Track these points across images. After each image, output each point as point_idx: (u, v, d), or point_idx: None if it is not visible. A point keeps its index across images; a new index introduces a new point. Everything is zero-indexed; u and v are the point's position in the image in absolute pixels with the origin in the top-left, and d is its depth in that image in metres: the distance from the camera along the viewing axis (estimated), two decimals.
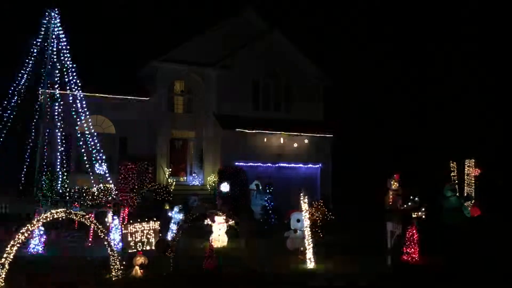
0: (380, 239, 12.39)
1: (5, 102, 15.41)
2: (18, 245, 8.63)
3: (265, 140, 24.18)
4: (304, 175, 25.24)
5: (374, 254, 12.33)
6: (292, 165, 24.99)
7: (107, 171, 17.83)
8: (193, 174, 24.82)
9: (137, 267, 9.89)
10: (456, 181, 20.17)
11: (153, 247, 11.36)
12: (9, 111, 15.45)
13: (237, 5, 26.53)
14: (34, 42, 16.37)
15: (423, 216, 12.78)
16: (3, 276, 8.39)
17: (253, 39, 25.23)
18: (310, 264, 11.31)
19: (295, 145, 24.95)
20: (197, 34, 24.98)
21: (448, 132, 30.29)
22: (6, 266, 8.43)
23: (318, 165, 25.60)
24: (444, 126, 31.15)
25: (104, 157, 18.17)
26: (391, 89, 33.28)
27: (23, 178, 16.57)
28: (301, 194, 11.80)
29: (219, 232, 13.92)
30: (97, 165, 17.78)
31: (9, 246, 8.56)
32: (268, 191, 18.75)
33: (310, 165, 25.46)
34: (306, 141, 25.06)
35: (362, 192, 22.40)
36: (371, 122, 31.68)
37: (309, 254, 11.40)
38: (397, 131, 30.81)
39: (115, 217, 12.76)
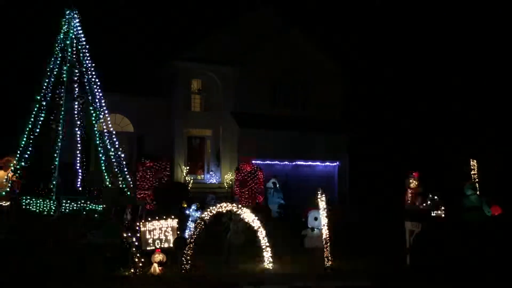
0: (399, 238, 12.27)
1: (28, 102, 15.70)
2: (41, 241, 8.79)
3: (282, 138, 24.14)
4: (322, 173, 25.12)
5: (392, 253, 12.22)
6: (309, 163, 24.90)
7: (125, 169, 18.00)
8: (210, 172, 24.92)
9: (155, 265, 9.98)
10: (477, 179, 19.85)
11: (171, 245, 11.43)
12: (34, 111, 15.77)
13: (254, 3, 26.51)
14: (56, 43, 16.62)
15: (442, 215, 12.63)
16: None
17: (270, 36, 25.19)
18: (328, 263, 11.25)
19: (313, 143, 24.86)
20: (214, 32, 25.06)
21: (468, 129, 29.83)
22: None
23: (335, 163, 25.46)
24: (464, 123, 30.68)
25: (122, 155, 18.36)
26: (410, 85, 32.91)
27: (44, 176, 16.85)
28: (319, 192, 11.74)
29: (237, 230, 13.95)
30: (115, 163, 17.97)
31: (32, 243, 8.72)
32: (285, 189, 18.73)
33: (327, 163, 25.34)
34: (323, 139, 24.94)
35: (380, 190, 22.21)
36: (389, 119, 31.36)
37: (327, 252, 11.34)
38: (416, 128, 30.46)
39: (133, 215, 12.88)
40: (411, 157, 26.72)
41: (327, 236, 11.43)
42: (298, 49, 25.61)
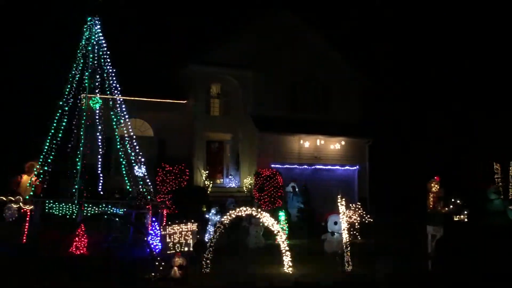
0: (420, 243, 12.10)
1: (51, 107, 15.97)
2: (62, 245, 8.92)
3: (302, 141, 24.11)
4: (341, 177, 24.99)
5: (414, 258, 12.05)
6: (329, 167, 24.79)
7: (145, 173, 18.14)
8: (230, 176, 24.97)
9: (175, 268, 10.03)
10: (500, 184, 19.49)
11: (191, 248, 11.49)
12: (57, 116, 16.03)
13: (272, 6, 26.56)
14: (77, 49, 16.89)
15: (465, 219, 12.43)
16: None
17: (289, 39, 25.23)
18: (348, 268, 11.16)
19: (332, 146, 24.77)
20: (233, 36, 25.19)
21: (492, 132, 29.31)
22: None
23: (355, 167, 25.30)
24: (488, 126, 30.17)
25: (142, 159, 18.51)
26: (431, 88, 32.55)
27: (66, 181, 17.10)
28: (338, 197, 11.67)
29: (256, 234, 13.97)
30: (136, 167, 18.12)
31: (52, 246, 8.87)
32: (305, 193, 18.66)
33: (347, 167, 25.19)
34: (343, 142, 24.84)
35: (401, 194, 21.98)
36: (410, 122, 31.04)
37: (347, 257, 11.26)
38: (438, 131, 30.08)
39: (154, 219, 12.97)
40: (432, 160, 26.38)
41: (347, 240, 11.34)
42: (317, 51, 25.59)
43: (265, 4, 27.77)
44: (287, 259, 10.90)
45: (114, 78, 17.90)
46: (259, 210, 11.22)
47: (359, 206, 16.66)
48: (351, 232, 15.78)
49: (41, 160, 16.14)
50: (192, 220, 11.99)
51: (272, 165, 22.76)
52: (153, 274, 9.61)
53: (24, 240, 13.07)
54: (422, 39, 35.57)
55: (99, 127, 17.08)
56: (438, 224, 11.89)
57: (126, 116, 18.45)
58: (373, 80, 27.55)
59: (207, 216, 14.66)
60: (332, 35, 27.39)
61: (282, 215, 15.37)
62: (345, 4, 37.27)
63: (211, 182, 23.60)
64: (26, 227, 13.25)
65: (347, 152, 25.08)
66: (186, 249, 11.46)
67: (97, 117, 17.09)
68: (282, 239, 10.90)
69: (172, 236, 11.50)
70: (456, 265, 11.29)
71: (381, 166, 25.74)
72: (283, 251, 10.95)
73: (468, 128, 30.69)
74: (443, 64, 34.00)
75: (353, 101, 26.37)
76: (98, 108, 16.82)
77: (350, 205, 16.71)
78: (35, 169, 16.49)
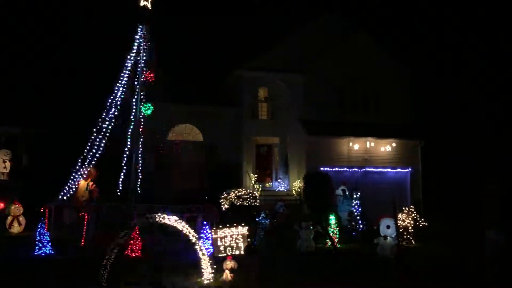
0: (479, 248, 11.60)
1: (104, 114, 16.47)
2: (118, 247, 9.17)
3: (351, 144, 23.73)
4: (393, 180, 24.39)
5: (471, 264, 11.56)
6: (380, 169, 24.25)
7: (196, 178, 18.44)
8: (279, 180, 24.93)
9: (227, 271, 10.09)
10: None
11: (242, 252, 11.52)
12: (107, 122, 16.53)
13: (319, 8, 26.41)
14: (128, 57, 17.40)
15: None
16: (106, 277, 8.95)
17: (337, 41, 24.93)
18: (402, 271, 10.83)
19: (383, 149, 24.23)
20: (281, 40, 25.20)
21: None
22: (108, 267, 8.98)
23: (407, 170, 24.60)
24: None
25: (193, 164, 18.83)
26: (487, 88, 31.22)
27: (120, 185, 17.65)
28: (392, 200, 11.38)
29: (306, 238, 13.84)
30: (187, 171, 18.44)
31: (110, 248, 9.12)
32: (355, 196, 18.31)
33: (399, 170, 24.54)
34: (394, 144, 24.24)
35: (456, 197, 21.18)
36: (464, 123, 29.87)
37: (400, 261, 10.94)
38: (494, 131, 28.78)
39: (205, 222, 13.12)
40: (489, 162, 25.28)
41: (401, 244, 11.03)
42: (366, 53, 25.11)
43: (312, 6, 27.64)
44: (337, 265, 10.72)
45: (164, 85, 18.31)
46: (308, 213, 11.09)
47: (412, 210, 16.16)
48: (405, 237, 15.37)
49: (97, 165, 16.72)
50: (243, 224, 12.02)
51: (321, 168, 22.51)
52: (205, 277, 9.71)
53: (83, 243, 13.54)
54: (476, 38, 34.27)
55: (151, 133, 17.48)
56: (499, 228, 11.33)
57: (177, 122, 18.86)
58: (425, 80, 26.78)
59: (257, 219, 14.67)
60: (381, 35, 26.89)
61: (332, 218, 15.17)
62: (395, 4, 36.49)
63: (260, 185, 23.65)
64: (84, 230, 13.72)
65: (398, 154, 24.46)
66: (237, 252, 11.50)
67: (148, 123, 17.51)
68: (332, 243, 10.74)
69: (223, 240, 11.58)
70: None
71: (435, 168, 24.88)
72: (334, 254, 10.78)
73: None
74: (501, 62, 32.53)
75: (404, 101, 25.69)
76: (149, 114, 17.23)
77: (403, 208, 16.27)
78: (92, 174, 17.11)
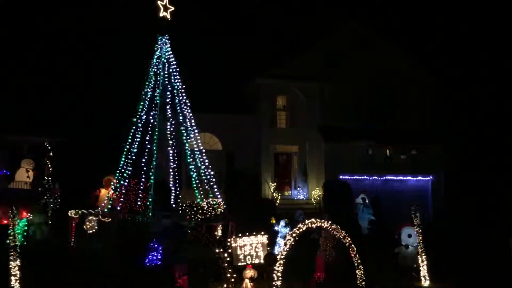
0: (505, 258, 11.34)
1: (125, 123, 16.75)
2: (136, 256, 9.23)
3: (370, 152, 23.53)
4: (414, 188, 24.10)
5: (496, 274, 11.30)
6: (400, 177, 23.99)
7: (215, 186, 18.49)
8: (298, 188, 24.84)
9: (247, 280, 10.06)
10: None
11: (262, 261, 11.45)
12: (131, 132, 16.81)
13: (338, 16, 26.39)
14: (149, 67, 17.66)
15: None
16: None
17: (355, 49, 24.86)
18: (425, 282, 10.66)
19: (403, 156, 23.96)
20: (299, 48, 25.25)
21: None
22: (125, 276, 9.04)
23: (428, 177, 24.28)
24: None
25: (212, 172, 18.88)
26: (508, 93, 30.66)
27: (140, 194, 17.83)
28: (412, 208, 11.21)
29: (326, 247, 13.68)
30: (206, 180, 18.50)
31: (127, 257, 9.20)
32: (375, 204, 18.12)
33: (419, 178, 24.24)
34: (414, 152, 23.94)
35: (481, 205, 20.76)
36: (487, 129, 29.34)
37: (423, 271, 10.76)
38: None
39: (224, 231, 13.14)
40: None
41: (423, 254, 10.85)
42: (384, 59, 25.02)
43: (331, 14, 27.63)
44: (359, 272, 10.59)
45: (183, 94, 18.49)
46: (329, 222, 10.98)
47: (434, 218, 15.92)
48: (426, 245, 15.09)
49: (117, 174, 16.92)
50: (262, 232, 11.97)
51: (341, 176, 22.38)
52: (225, 286, 9.69)
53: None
54: (498, 42, 33.76)
55: (171, 142, 17.64)
56: None
57: (196, 131, 18.98)
58: (446, 86, 26.42)
59: (276, 228, 14.61)
60: (398, 42, 26.67)
61: None
62: (412, 11, 36.24)
63: (279, 194, 23.60)
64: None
65: (419, 162, 24.15)
66: (256, 261, 11.44)
67: (168, 132, 17.70)
68: (353, 253, 10.61)
69: (242, 248, 11.53)
70: None
71: (458, 175, 24.45)
72: (355, 264, 10.64)
73: None
74: None
75: (425, 108, 25.44)
76: (169, 123, 17.39)
77: (424, 216, 16.04)
78: (112, 183, 17.31)
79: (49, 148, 19.91)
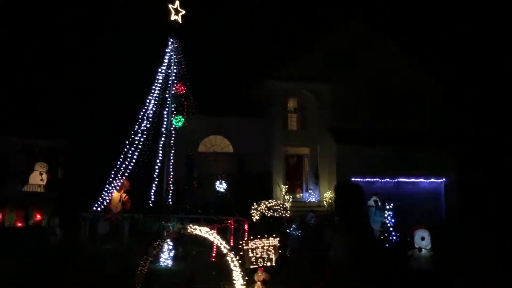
0: None
1: (136, 127, 16.77)
2: (151, 258, 9.24)
3: (382, 154, 23.38)
4: (426, 190, 23.90)
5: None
6: (413, 180, 23.80)
7: (226, 189, 18.51)
8: (309, 191, 24.78)
9: (259, 283, 10.03)
10: None
11: (274, 263, 11.43)
12: (139, 135, 16.82)
13: (348, 16, 26.29)
14: (159, 70, 17.71)
15: None
16: (140, 286, 9.03)
17: (364, 49, 24.77)
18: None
19: (415, 158, 23.76)
20: (308, 50, 25.22)
21: None
22: (141, 278, 9.06)
23: (441, 179, 24.07)
24: None
25: (223, 175, 18.94)
26: None
27: (152, 197, 17.91)
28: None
29: (338, 249, 13.62)
30: (217, 183, 18.55)
31: (142, 260, 9.21)
32: (388, 207, 17.98)
33: (432, 180, 24.03)
34: (427, 154, 23.75)
35: (496, 208, 20.50)
36: (501, 129, 28.98)
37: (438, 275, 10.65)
38: None
39: (235, 233, 13.14)
40: None
41: (437, 257, 10.74)
42: (395, 60, 24.87)
43: (340, 15, 27.55)
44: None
45: (194, 97, 18.54)
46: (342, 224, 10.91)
47: (448, 220, 15.76)
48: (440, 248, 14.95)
49: (129, 177, 17.01)
50: (274, 235, 11.95)
51: (353, 178, 22.27)
52: None
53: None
54: (506, 40, 33.36)
55: (182, 145, 17.68)
56: None
57: (207, 133, 19.04)
58: (457, 86, 26.19)
59: (287, 230, 14.58)
60: (409, 41, 26.52)
61: None
62: (422, 9, 36.00)
63: (291, 196, 23.55)
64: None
65: (432, 164, 23.94)
66: (268, 264, 11.41)
67: (175, 135, 17.72)
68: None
69: (254, 251, 11.51)
70: None
71: (472, 177, 24.17)
72: None
73: None
74: None
75: (437, 109, 25.22)
76: (180, 126, 17.42)
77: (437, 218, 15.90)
78: (124, 186, 17.39)
79: (62, 151, 20.09)
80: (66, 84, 28.52)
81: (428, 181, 24.05)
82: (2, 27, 28.41)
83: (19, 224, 15.79)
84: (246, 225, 14.91)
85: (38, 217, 15.88)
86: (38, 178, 19.06)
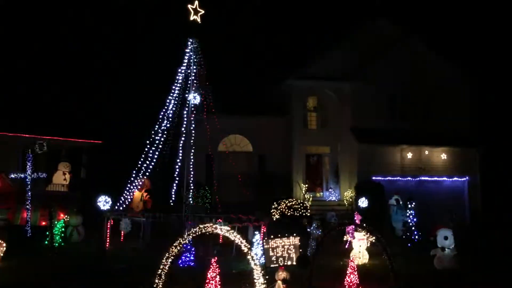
0: None
1: (157, 126, 16.90)
2: (171, 257, 9.29)
3: (404, 153, 23.13)
4: (449, 189, 23.54)
5: None
6: (435, 178, 23.46)
7: (247, 187, 18.52)
8: (329, 190, 24.64)
9: (279, 282, 10.00)
10: None
11: (294, 263, 11.40)
12: (160, 135, 16.95)
13: (368, 15, 26.01)
14: (179, 70, 17.82)
15: None
16: (160, 286, 9.10)
17: (387, 48, 24.48)
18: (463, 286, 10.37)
19: (438, 157, 23.45)
20: (329, 48, 25.05)
21: None
22: (163, 276, 9.13)
23: (464, 178, 23.66)
24: None
25: (243, 174, 18.93)
26: None
27: (173, 196, 18.04)
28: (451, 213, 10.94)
29: (359, 249, 13.52)
30: (239, 181, 18.56)
31: (164, 258, 9.27)
32: (410, 206, 17.74)
33: (455, 179, 23.65)
34: (450, 152, 23.40)
35: None
36: None
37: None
38: None
39: (256, 232, 13.12)
40: None
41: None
42: (418, 58, 24.50)
43: (363, 13, 27.29)
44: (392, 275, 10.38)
45: (214, 97, 18.59)
46: (364, 224, 10.83)
47: (472, 219, 15.50)
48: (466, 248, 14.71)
49: (150, 177, 17.16)
50: (294, 234, 11.91)
51: (374, 178, 22.06)
52: (257, 287, 9.67)
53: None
54: None
55: (202, 144, 17.75)
56: None
57: (227, 133, 19.07)
58: (481, 86, 25.68)
59: (308, 230, 14.52)
60: (433, 40, 26.11)
61: None
62: (447, 8, 35.42)
63: (311, 195, 23.45)
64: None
65: (455, 163, 23.58)
66: (289, 263, 11.40)
67: (198, 134, 17.79)
68: (387, 255, 10.42)
69: (275, 250, 11.51)
70: None
71: (496, 176, 23.72)
72: (389, 267, 10.44)
73: None
74: None
75: (460, 108, 24.76)
76: (199, 126, 17.49)
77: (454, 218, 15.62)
78: (145, 185, 17.54)
79: (85, 151, 20.37)
80: (90, 85, 28.96)
81: (451, 180, 23.67)
82: (37, 27, 29.00)
83: (43, 223, 16.07)
84: (264, 227, 14.87)
85: (62, 216, 16.11)
86: (61, 177, 19.35)
